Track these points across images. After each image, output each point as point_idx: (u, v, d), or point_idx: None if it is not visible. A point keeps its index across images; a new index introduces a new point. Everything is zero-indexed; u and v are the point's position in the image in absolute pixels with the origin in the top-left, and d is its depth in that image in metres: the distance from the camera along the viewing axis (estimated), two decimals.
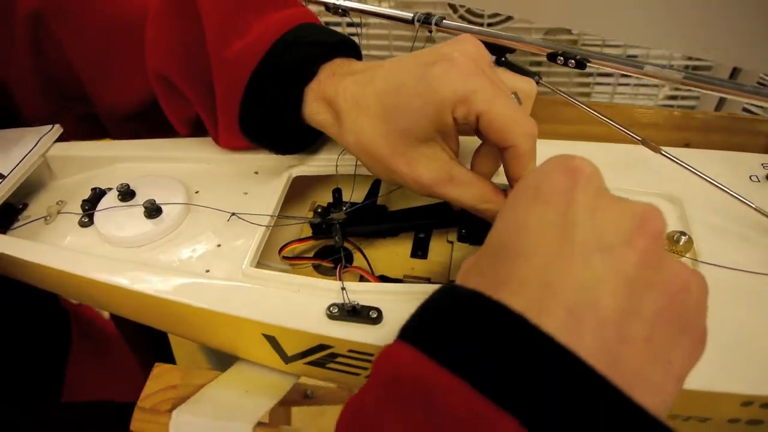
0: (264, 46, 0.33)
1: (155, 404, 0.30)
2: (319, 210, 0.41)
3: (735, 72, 0.54)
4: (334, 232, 0.36)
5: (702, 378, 0.27)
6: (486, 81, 0.28)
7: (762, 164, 0.37)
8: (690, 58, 0.63)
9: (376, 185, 0.42)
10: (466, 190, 0.31)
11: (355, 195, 0.39)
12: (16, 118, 0.47)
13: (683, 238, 0.32)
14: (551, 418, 0.17)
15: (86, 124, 0.47)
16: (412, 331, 0.20)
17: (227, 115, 0.36)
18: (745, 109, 0.60)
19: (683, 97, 0.75)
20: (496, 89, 0.28)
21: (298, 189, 0.43)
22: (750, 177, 0.36)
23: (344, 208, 0.38)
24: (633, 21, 0.30)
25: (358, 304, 0.30)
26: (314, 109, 0.34)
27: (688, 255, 0.32)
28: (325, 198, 0.43)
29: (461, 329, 0.19)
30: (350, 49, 0.36)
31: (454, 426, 0.17)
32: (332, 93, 0.33)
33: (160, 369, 0.32)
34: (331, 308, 0.30)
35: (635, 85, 0.72)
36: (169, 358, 0.66)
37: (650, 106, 0.73)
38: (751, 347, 0.28)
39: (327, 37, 0.35)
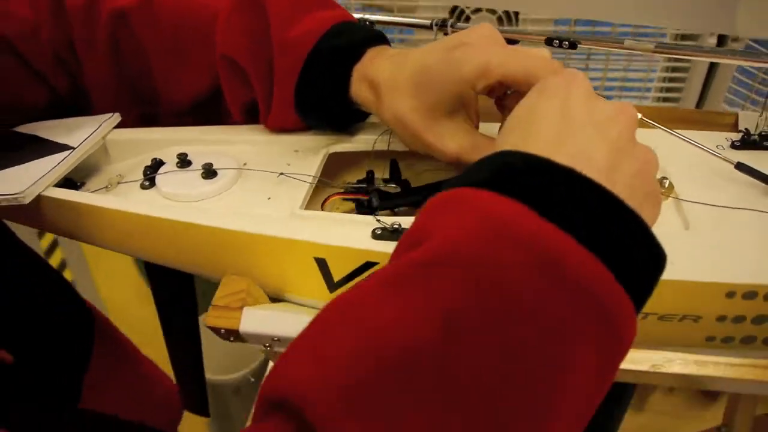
0: (320, 32, 0.41)
1: (227, 303, 0.34)
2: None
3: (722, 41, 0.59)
4: (372, 197, 0.41)
5: (690, 271, 0.32)
6: (498, 49, 0.35)
7: (726, 138, 0.45)
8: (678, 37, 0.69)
9: (395, 165, 0.48)
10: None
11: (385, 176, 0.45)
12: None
13: (666, 182, 0.38)
14: (600, 230, 0.22)
15: (144, 125, 0.53)
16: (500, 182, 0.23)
17: (284, 91, 0.42)
18: None
19: (668, 99, 0.81)
20: (507, 52, 0.35)
21: (332, 170, 0.49)
22: (716, 146, 0.44)
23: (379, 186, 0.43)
24: (612, 4, 0.37)
25: (399, 225, 0.35)
26: (359, 87, 0.41)
27: (671, 195, 0.38)
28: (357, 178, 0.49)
29: (544, 181, 0.23)
30: (385, 41, 0.43)
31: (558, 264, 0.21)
32: (373, 73, 0.40)
33: (228, 278, 0.36)
34: (376, 230, 0.35)
35: (622, 81, 0.78)
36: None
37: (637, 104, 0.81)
38: (726, 249, 0.33)
39: (368, 30, 0.42)
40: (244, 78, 0.44)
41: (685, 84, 0.53)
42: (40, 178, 0.42)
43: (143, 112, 0.52)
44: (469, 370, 0.19)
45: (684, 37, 0.66)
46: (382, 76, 0.39)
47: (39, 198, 0.41)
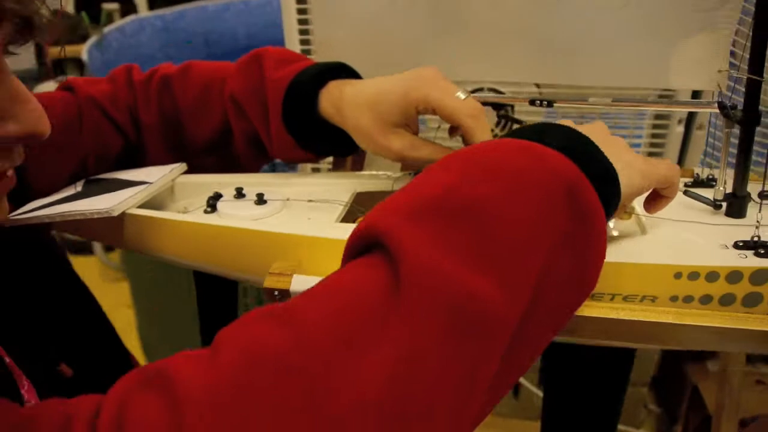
0: (297, 71, 0.55)
1: (281, 270, 0.43)
2: None
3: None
4: None
5: (645, 256, 0.41)
6: (438, 88, 0.48)
7: (683, 183, 0.55)
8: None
9: None
10: (422, 151, 0.51)
11: None
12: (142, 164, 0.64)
13: (630, 208, 0.48)
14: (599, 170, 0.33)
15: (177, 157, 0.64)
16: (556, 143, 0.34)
17: (276, 120, 0.55)
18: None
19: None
20: (444, 92, 0.48)
21: (361, 204, 0.59)
22: None
23: None
24: (587, 70, 0.49)
25: None
26: (324, 106, 0.54)
27: (634, 214, 0.48)
28: None
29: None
30: (352, 73, 0.56)
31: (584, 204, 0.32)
32: (337, 95, 0.53)
33: (279, 264, 0.45)
34: None
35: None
36: None
37: None
38: (673, 244, 0.43)
39: (335, 64, 0.56)
40: (246, 115, 0.57)
41: (664, 149, 0.64)
42: (126, 200, 0.52)
43: (178, 151, 0.63)
44: (490, 204, 0.30)
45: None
46: (343, 96, 0.53)
47: (124, 214, 0.51)
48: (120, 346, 0.62)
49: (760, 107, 0.44)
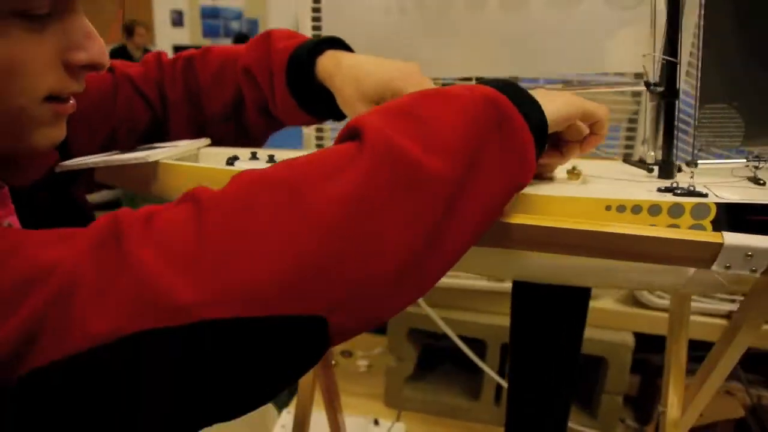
0: (298, 43, 0.66)
1: None
2: None
3: None
4: None
5: (581, 193, 0.51)
6: (415, 84, 0.59)
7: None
8: None
9: None
10: None
11: None
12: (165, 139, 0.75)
13: (576, 169, 0.58)
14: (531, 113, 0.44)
15: (198, 135, 0.75)
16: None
17: (280, 84, 0.65)
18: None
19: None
20: (418, 87, 0.58)
21: None
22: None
23: None
24: (548, 62, 0.60)
25: None
26: (320, 71, 0.64)
27: (581, 176, 0.58)
28: None
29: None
30: (345, 46, 0.68)
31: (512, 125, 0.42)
32: (333, 62, 0.64)
33: None
34: None
35: None
36: None
37: None
38: (605, 188, 0.52)
39: (331, 38, 0.67)
40: (256, 83, 0.68)
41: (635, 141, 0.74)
42: (158, 152, 0.62)
43: (197, 125, 0.74)
44: (432, 109, 0.41)
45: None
46: (340, 65, 0.63)
47: (157, 163, 0.61)
48: None
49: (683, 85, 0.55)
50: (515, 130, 0.42)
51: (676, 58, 0.54)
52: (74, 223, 0.59)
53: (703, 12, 0.52)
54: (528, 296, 0.61)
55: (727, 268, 0.45)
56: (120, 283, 0.34)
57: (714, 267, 0.45)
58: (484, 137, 0.41)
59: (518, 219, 0.48)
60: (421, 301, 1.17)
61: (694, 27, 0.55)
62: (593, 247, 0.48)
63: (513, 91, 0.45)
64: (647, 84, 0.55)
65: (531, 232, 0.47)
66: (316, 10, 0.78)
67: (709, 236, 0.45)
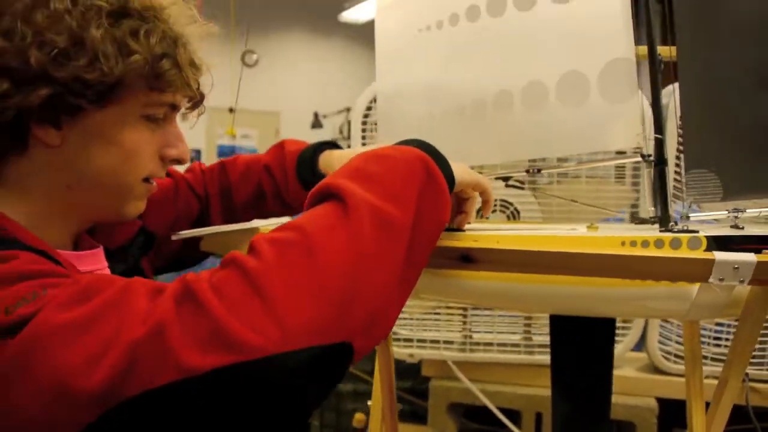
0: (303, 147, 0.86)
1: None
2: None
3: None
4: None
5: (598, 234, 0.66)
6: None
7: None
8: None
9: None
10: None
11: None
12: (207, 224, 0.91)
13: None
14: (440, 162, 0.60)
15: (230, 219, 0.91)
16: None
17: (291, 176, 0.84)
18: None
19: None
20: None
21: None
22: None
23: None
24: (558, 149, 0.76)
25: None
26: (321, 165, 0.83)
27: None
28: None
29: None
30: (336, 146, 0.87)
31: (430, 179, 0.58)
32: (328, 157, 0.83)
33: None
34: None
35: None
36: None
37: None
38: (621, 232, 0.67)
39: (327, 141, 0.87)
40: (273, 178, 0.86)
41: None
42: (255, 222, 0.78)
43: (230, 213, 0.91)
44: (385, 174, 0.55)
45: None
46: (332, 158, 0.83)
47: (257, 229, 0.77)
48: None
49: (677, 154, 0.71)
50: (439, 182, 0.58)
51: (662, 134, 0.71)
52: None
53: (679, 98, 0.70)
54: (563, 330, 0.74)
55: (721, 280, 0.59)
56: (199, 328, 0.43)
57: (711, 279, 0.59)
58: (422, 188, 0.56)
59: (540, 246, 0.62)
60: (461, 375, 1.28)
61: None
62: (612, 269, 0.61)
63: (431, 150, 0.61)
64: (642, 156, 0.72)
65: (553, 258, 0.61)
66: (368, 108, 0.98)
67: (705, 255, 0.59)
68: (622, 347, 1.27)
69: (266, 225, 0.78)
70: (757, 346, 1.27)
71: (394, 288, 0.51)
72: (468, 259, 0.63)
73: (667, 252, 0.63)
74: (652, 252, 0.61)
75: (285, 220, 0.84)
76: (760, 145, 0.72)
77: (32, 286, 0.47)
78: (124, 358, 0.42)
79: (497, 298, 0.72)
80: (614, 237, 0.65)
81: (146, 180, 0.65)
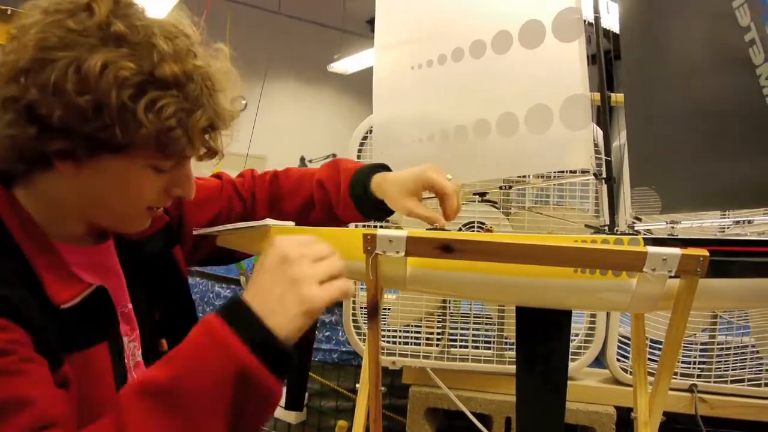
0: (358, 167, 0.96)
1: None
2: None
3: None
4: None
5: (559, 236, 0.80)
6: (437, 173, 0.90)
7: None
8: None
9: None
10: (421, 210, 0.89)
11: None
12: None
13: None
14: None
15: None
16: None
17: (344, 193, 0.94)
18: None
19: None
20: (440, 175, 0.89)
21: None
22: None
23: None
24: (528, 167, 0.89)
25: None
26: (373, 185, 0.93)
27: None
28: None
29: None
30: (388, 169, 0.97)
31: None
32: (381, 179, 0.93)
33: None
34: None
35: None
36: None
37: None
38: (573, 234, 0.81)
39: (380, 164, 0.97)
40: (326, 192, 0.97)
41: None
42: (268, 221, 0.90)
43: (275, 218, 1.00)
44: (194, 389, 0.56)
45: None
46: (386, 179, 0.92)
47: (269, 227, 0.89)
48: None
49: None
50: (262, 387, 0.57)
51: (610, 156, 0.86)
52: (165, 270, 0.84)
53: (626, 124, 0.86)
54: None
55: (653, 270, 0.73)
56: None
57: (645, 269, 0.72)
58: (241, 408, 0.57)
59: (504, 238, 0.75)
60: (440, 381, 1.40)
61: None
62: (567, 259, 0.75)
63: (246, 325, 0.58)
64: (595, 174, 0.88)
65: (519, 249, 0.75)
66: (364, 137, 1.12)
67: (639, 248, 0.73)
68: (583, 359, 1.40)
69: (277, 224, 0.90)
70: (704, 361, 1.41)
71: None
72: (448, 248, 0.75)
73: (611, 247, 0.78)
74: (599, 246, 0.75)
75: (291, 223, 0.96)
76: (691, 169, 0.88)
77: None
78: None
79: (471, 288, 0.84)
80: (571, 236, 0.79)
81: (149, 208, 0.74)
